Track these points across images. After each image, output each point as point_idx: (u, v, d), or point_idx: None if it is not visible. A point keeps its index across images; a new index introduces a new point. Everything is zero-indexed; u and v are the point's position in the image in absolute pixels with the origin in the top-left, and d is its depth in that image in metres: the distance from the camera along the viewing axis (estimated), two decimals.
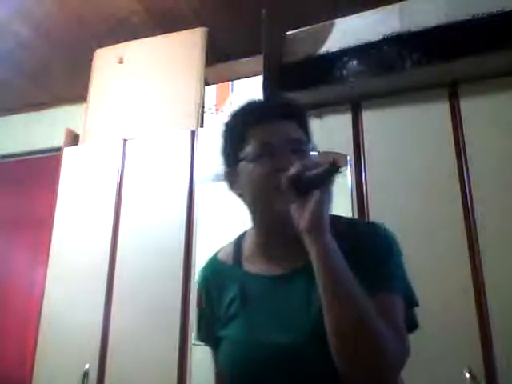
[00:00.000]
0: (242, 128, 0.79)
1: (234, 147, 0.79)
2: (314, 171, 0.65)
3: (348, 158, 1.62)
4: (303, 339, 0.68)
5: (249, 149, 0.76)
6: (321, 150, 1.70)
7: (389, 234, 0.77)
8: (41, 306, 1.88)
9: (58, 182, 2.06)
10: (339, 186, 1.69)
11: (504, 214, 1.39)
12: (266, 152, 0.74)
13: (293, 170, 0.67)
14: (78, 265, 1.87)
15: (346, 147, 1.64)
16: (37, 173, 2.77)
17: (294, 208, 0.68)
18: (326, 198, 0.66)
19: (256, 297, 0.75)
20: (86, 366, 1.71)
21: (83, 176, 2.03)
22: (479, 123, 1.50)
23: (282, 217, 0.70)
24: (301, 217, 0.66)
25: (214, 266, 0.84)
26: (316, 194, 0.65)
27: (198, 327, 0.86)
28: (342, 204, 1.62)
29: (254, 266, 0.79)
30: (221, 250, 0.88)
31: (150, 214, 1.85)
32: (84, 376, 1.69)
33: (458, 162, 1.48)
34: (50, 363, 1.79)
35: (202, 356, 1.67)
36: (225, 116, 0.87)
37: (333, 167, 0.63)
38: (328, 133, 1.69)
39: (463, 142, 1.50)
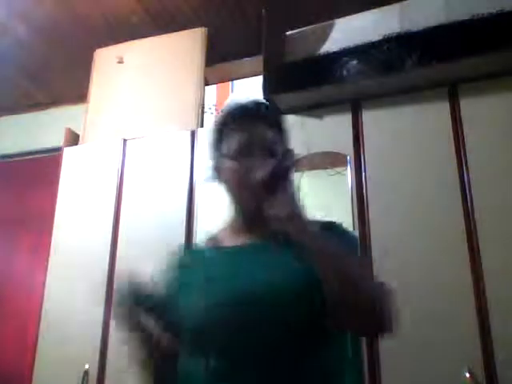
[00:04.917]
0: (220, 127, 0.92)
1: (215, 144, 0.93)
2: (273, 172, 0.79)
3: (348, 157, 1.62)
4: (280, 289, 0.79)
5: (226, 148, 0.88)
6: (321, 150, 1.71)
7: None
8: (41, 306, 1.88)
9: (58, 182, 2.06)
10: (339, 186, 1.69)
11: (504, 213, 1.39)
12: (240, 152, 0.86)
13: (260, 174, 0.80)
14: (78, 264, 1.87)
15: (346, 147, 1.64)
16: (37, 173, 2.77)
17: (266, 204, 0.78)
18: (289, 195, 0.79)
19: (225, 262, 0.89)
20: (86, 366, 1.71)
21: (83, 176, 2.03)
22: (479, 123, 1.50)
23: (253, 209, 0.83)
24: (273, 210, 0.76)
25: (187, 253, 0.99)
26: (283, 191, 0.77)
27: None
28: (342, 204, 1.62)
29: (226, 242, 0.93)
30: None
31: (150, 214, 1.85)
32: (84, 376, 1.69)
33: (457, 162, 1.48)
34: (49, 363, 1.78)
35: None
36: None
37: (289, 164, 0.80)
38: (328, 133, 1.69)
39: (463, 141, 1.50)
